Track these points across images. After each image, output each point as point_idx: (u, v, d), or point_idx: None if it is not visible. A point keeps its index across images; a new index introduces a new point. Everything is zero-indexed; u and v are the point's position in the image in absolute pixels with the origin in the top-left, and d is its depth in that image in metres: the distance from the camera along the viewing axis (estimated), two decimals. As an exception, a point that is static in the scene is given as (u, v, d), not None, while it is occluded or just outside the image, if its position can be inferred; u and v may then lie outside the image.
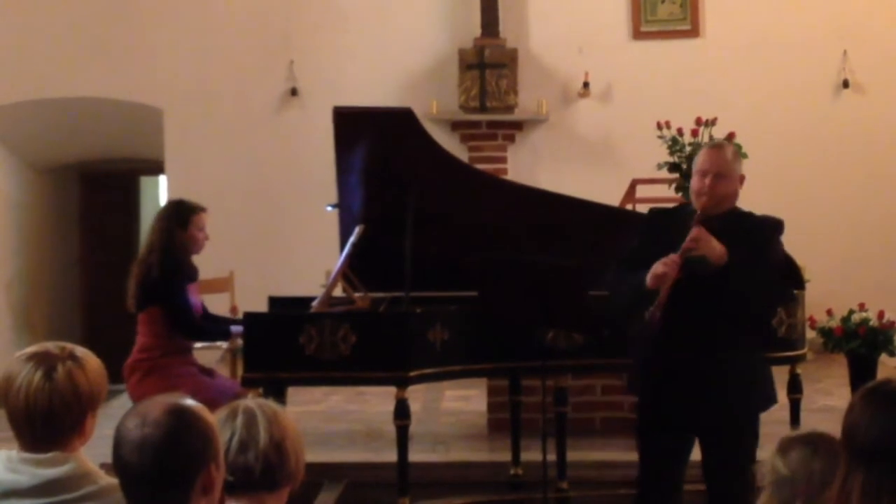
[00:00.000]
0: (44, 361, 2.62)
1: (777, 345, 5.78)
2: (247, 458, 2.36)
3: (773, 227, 4.32)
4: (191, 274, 5.96)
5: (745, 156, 7.31)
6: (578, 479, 5.66)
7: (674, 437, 4.35)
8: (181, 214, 5.91)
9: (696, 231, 4.11)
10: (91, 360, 2.68)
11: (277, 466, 2.38)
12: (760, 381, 4.38)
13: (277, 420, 2.42)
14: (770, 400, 4.44)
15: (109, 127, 10.17)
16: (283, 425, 2.42)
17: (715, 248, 4.09)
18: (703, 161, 4.30)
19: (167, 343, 5.84)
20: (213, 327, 6.08)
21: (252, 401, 2.48)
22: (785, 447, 2.56)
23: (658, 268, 4.11)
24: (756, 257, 4.14)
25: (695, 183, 4.30)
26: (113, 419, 2.27)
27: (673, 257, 4.11)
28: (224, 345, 7.11)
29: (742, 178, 4.39)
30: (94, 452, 2.71)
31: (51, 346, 2.68)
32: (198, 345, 6.25)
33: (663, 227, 4.35)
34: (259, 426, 2.39)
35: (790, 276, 5.90)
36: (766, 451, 2.61)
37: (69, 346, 2.69)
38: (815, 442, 2.54)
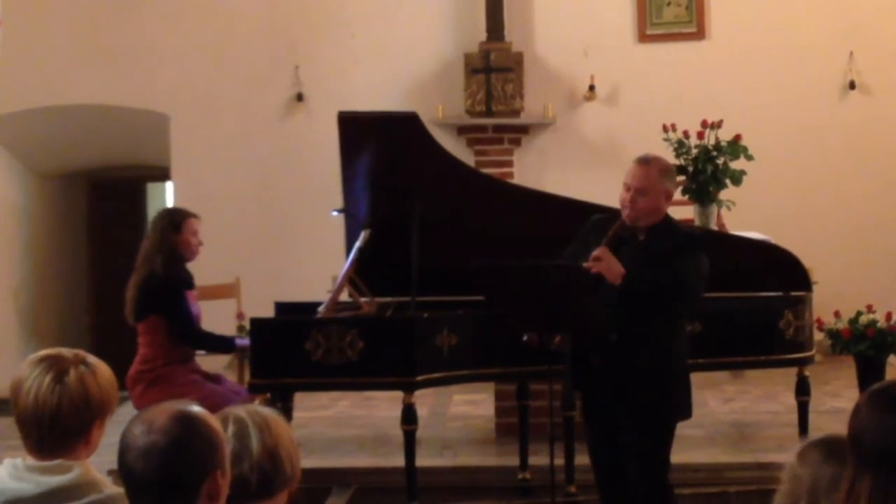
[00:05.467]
0: (55, 364, 2.62)
1: (785, 347, 5.79)
2: (241, 470, 2.28)
3: (690, 241, 4.60)
4: (188, 281, 5.94)
5: (751, 157, 7.34)
6: (587, 483, 5.64)
7: (606, 432, 4.67)
8: (174, 219, 5.88)
9: (598, 251, 4.50)
10: (103, 369, 2.68)
11: (273, 474, 2.32)
12: (673, 392, 4.62)
13: (268, 427, 2.35)
14: (680, 413, 4.68)
15: (116, 134, 10.17)
16: (275, 431, 2.35)
17: (612, 269, 4.46)
18: (628, 175, 4.60)
19: (169, 352, 5.81)
20: (216, 338, 6.04)
21: (241, 409, 2.40)
22: (802, 451, 2.54)
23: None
24: (665, 267, 4.45)
25: (621, 194, 4.59)
26: (120, 426, 2.26)
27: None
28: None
29: (669, 195, 4.65)
30: (101, 460, 2.71)
31: (64, 350, 2.67)
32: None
33: (597, 234, 4.64)
34: (251, 435, 2.32)
35: (793, 279, 5.90)
36: (783, 455, 2.60)
37: (82, 352, 2.69)
38: (829, 445, 2.51)
